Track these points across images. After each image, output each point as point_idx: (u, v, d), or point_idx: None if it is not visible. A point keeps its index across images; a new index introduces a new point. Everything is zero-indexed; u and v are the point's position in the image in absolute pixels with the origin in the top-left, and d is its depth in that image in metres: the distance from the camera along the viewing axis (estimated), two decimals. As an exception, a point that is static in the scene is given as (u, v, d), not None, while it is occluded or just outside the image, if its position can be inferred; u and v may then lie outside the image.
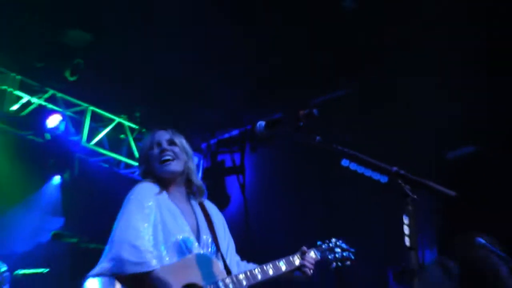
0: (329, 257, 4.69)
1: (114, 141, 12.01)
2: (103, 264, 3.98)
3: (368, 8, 8.79)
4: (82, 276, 3.94)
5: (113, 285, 3.94)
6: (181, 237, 4.26)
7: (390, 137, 8.91)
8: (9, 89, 10.58)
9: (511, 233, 6.78)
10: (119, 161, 12.16)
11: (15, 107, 10.77)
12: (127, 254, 3.95)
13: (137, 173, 11.93)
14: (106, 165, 12.16)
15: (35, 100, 10.92)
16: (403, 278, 6.70)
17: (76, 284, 3.97)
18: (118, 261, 3.95)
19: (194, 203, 4.60)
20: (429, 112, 9.17)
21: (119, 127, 11.97)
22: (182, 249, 4.22)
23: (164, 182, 4.54)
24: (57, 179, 11.72)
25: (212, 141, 10.39)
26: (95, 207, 10.90)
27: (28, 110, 10.94)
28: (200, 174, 11.54)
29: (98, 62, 10.42)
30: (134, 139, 12.13)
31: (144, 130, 12.06)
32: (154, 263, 3.98)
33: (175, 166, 4.55)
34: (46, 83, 10.91)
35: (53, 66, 10.30)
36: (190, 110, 10.71)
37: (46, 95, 11.01)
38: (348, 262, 4.72)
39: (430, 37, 8.85)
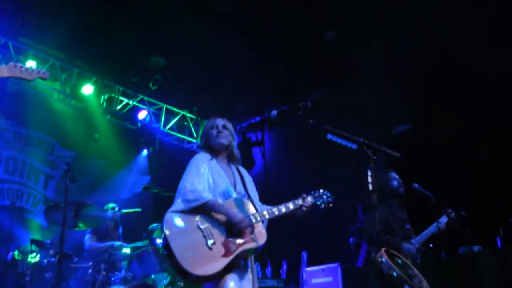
0: (319, 201, 4.72)
1: (180, 127, 12.10)
2: (176, 205, 4.06)
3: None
4: (162, 213, 4.05)
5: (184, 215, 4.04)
6: (224, 187, 4.31)
7: (356, 119, 8.94)
8: (115, 96, 10.83)
9: (433, 182, 6.86)
10: (184, 139, 12.23)
11: (119, 107, 11.01)
12: (190, 196, 4.05)
13: (195, 146, 12.12)
14: (175, 142, 12.23)
15: (131, 102, 11.12)
16: (367, 210, 6.76)
17: (159, 218, 4.03)
18: (185, 201, 4.05)
19: (233, 167, 4.60)
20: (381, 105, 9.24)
21: (183, 117, 12.04)
22: (226, 195, 4.26)
23: (215, 152, 4.55)
24: (145, 152, 11.90)
25: (243, 124, 10.41)
26: (168, 168, 11.01)
27: (127, 109, 11.18)
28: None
29: (169, 77, 10.54)
30: (193, 125, 12.19)
31: (199, 119, 12.16)
32: (207, 195, 4.09)
33: (224, 140, 4.57)
34: (137, 91, 11.08)
35: (142, 80, 10.45)
36: (229, 104, 10.78)
37: (138, 99, 11.19)
38: (331, 205, 4.73)
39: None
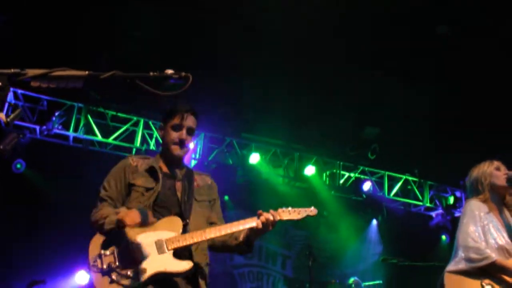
0: None
1: (405, 191, 11.54)
2: (457, 263, 3.80)
3: None
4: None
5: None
6: (501, 242, 3.85)
7: None
8: (337, 171, 10.97)
9: None
10: (410, 204, 11.65)
11: (341, 181, 11.08)
12: (473, 254, 3.74)
13: (422, 209, 11.60)
14: (402, 207, 11.71)
15: (352, 175, 11.12)
16: None
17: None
18: (468, 260, 3.75)
19: (508, 216, 4.06)
20: None
21: (406, 181, 11.51)
22: (503, 251, 3.83)
23: (497, 195, 4.06)
24: (374, 221, 11.65)
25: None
26: (400, 235, 10.72)
27: (349, 182, 11.16)
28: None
29: (385, 143, 10.28)
30: (417, 188, 11.53)
31: (422, 181, 11.51)
32: (491, 254, 3.73)
33: None
34: (357, 163, 11.02)
35: (360, 152, 10.36)
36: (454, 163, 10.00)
37: (358, 170, 11.14)
38: None
39: None
